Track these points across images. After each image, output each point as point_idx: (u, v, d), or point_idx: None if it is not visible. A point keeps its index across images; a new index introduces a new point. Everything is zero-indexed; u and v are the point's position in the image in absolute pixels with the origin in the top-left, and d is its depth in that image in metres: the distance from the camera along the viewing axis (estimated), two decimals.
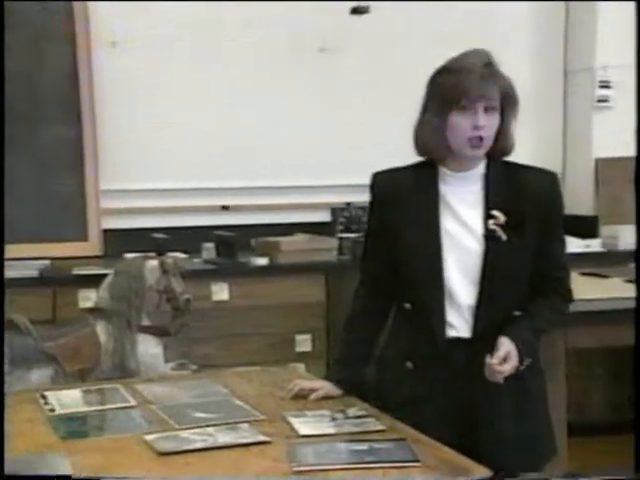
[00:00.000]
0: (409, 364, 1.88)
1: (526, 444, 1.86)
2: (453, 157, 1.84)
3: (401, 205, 1.86)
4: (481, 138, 1.78)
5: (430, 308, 1.83)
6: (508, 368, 1.75)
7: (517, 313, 1.86)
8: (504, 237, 1.81)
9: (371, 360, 1.97)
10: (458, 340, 1.83)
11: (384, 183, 1.92)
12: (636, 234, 2.43)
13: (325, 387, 1.95)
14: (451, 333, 1.84)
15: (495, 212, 1.82)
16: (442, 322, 1.83)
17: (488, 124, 1.79)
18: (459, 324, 1.83)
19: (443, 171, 1.86)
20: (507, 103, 1.81)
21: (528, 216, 1.82)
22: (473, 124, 1.77)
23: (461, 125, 1.78)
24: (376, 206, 1.94)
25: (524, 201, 1.83)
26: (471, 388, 1.81)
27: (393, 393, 1.90)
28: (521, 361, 1.79)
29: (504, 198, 1.83)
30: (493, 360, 1.74)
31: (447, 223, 1.83)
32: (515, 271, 1.83)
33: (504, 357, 1.75)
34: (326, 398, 1.93)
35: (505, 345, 1.77)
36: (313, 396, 1.93)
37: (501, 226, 1.81)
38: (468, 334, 1.83)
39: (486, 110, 1.78)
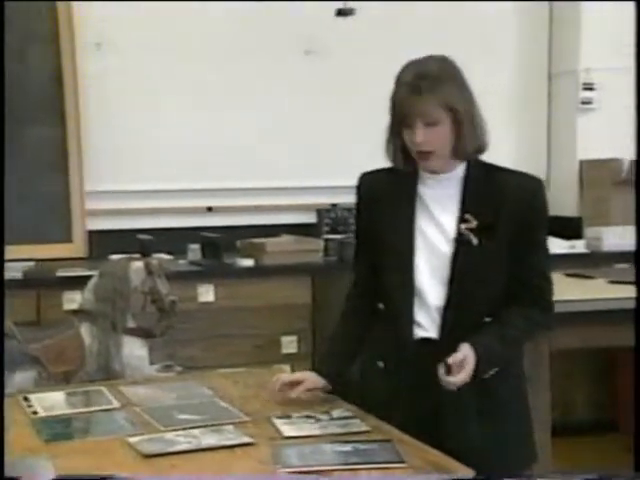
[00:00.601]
0: (381, 364, 1.89)
1: (495, 448, 1.81)
2: None
3: (382, 206, 1.88)
4: (428, 152, 1.78)
5: (399, 308, 1.84)
6: (460, 378, 1.72)
7: (488, 319, 1.83)
8: (475, 241, 1.80)
9: (356, 358, 1.97)
10: (426, 341, 1.83)
11: (368, 184, 1.94)
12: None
13: (308, 378, 1.93)
14: (420, 333, 1.84)
15: (468, 216, 1.81)
16: (410, 322, 1.83)
17: (429, 139, 1.76)
18: (428, 325, 1.83)
19: (422, 173, 1.86)
20: (452, 113, 1.77)
21: (503, 220, 1.80)
22: (412, 141, 1.78)
23: (408, 141, 1.80)
24: (361, 207, 1.96)
25: (500, 205, 1.81)
26: (438, 389, 1.77)
27: (369, 392, 1.91)
28: (481, 370, 1.76)
29: (479, 202, 1.82)
30: (441, 370, 1.72)
31: (422, 225, 1.84)
32: (485, 275, 1.81)
33: (459, 363, 1.72)
34: (310, 401, 1.91)
35: (462, 352, 1.74)
36: (295, 393, 1.89)
37: (472, 230, 1.80)
38: (436, 335, 1.83)
39: (427, 125, 1.76)
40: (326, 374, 1.94)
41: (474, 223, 1.80)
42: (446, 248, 1.82)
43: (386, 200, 1.88)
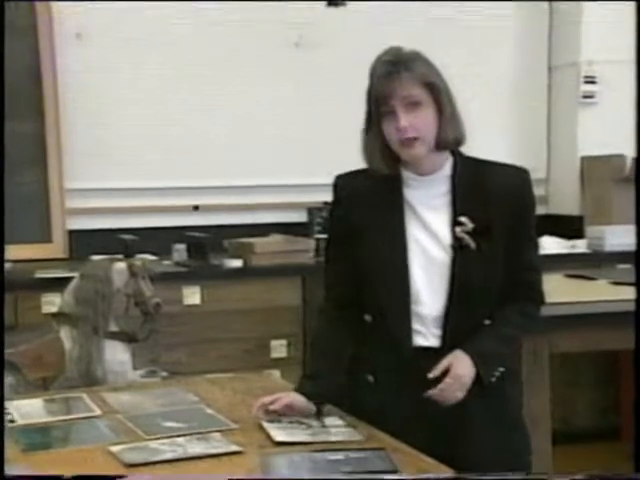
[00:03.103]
0: (370, 378, 1.86)
1: (500, 452, 1.83)
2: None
3: (366, 212, 1.84)
4: (414, 138, 1.76)
5: (395, 319, 1.81)
6: (446, 385, 1.73)
7: (487, 322, 1.83)
8: (472, 245, 1.78)
9: (341, 374, 1.91)
10: (425, 349, 1.82)
11: (347, 188, 1.90)
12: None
13: (289, 395, 1.86)
14: (419, 341, 1.82)
15: (462, 218, 1.79)
16: (409, 331, 1.81)
17: (413, 122, 1.75)
18: (426, 332, 1.82)
19: (407, 175, 1.84)
20: (432, 93, 1.77)
21: (497, 219, 1.79)
22: (396, 127, 1.76)
23: (389, 131, 1.78)
24: (340, 213, 1.90)
25: (493, 203, 1.80)
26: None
27: (359, 409, 1.87)
28: (483, 374, 1.77)
29: (471, 202, 1.80)
30: (434, 391, 1.73)
31: (413, 231, 1.82)
32: (485, 280, 1.80)
33: (444, 370, 1.74)
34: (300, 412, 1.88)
35: (444, 362, 1.75)
36: (275, 405, 1.83)
37: (469, 233, 1.78)
38: (436, 343, 1.82)
39: (409, 108, 1.75)
40: (311, 396, 1.86)
41: (470, 226, 1.79)
42: (441, 255, 1.80)
43: (370, 205, 1.84)
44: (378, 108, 1.78)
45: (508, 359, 1.87)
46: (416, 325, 1.82)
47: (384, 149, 1.81)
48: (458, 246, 1.79)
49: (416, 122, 1.75)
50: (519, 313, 1.86)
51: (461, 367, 1.75)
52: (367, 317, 1.87)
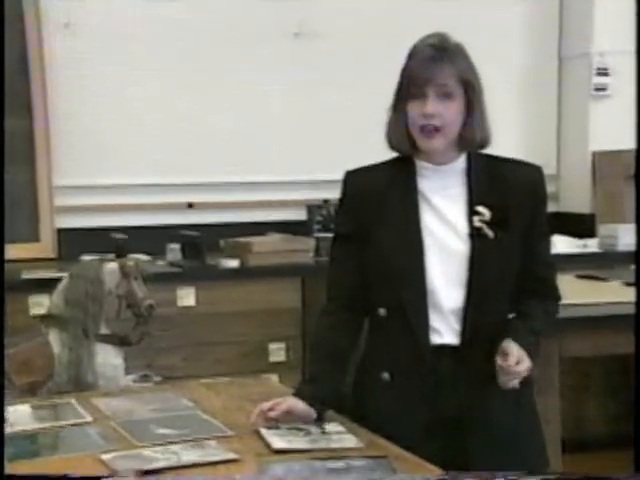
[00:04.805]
0: (386, 375, 1.87)
1: (518, 453, 1.88)
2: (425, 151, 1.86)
3: (377, 204, 1.87)
4: (435, 128, 1.80)
5: (411, 312, 1.84)
6: (524, 368, 1.79)
7: (511, 315, 1.88)
8: (490, 234, 1.83)
9: (344, 377, 1.93)
10: (443, 347, 1.84)
11: (358, 183, 1.92)
12: (636, 233, 2.45)
13: (288, 400, 1.86)
14: (435, 339, 1.85)
15: (480, 208, 1.84)
16: (426, 327, 1.84)
17: (441, 112, 1.79)
18: (444, 329, 1.84)
19: (421, 165, 1.88)
20: (466, 90, 1.81)
21: (513, 211, 1.85)
22: (422, 112, 1.79)
23: (413, 114, 1.81)
24: (349, 208, 1.93)
25: (508, 195, 1.86)
26: (458, 397, 1.82)
27: (370, 409, 1.89)
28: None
29: (487, 193, 1.85)
30: (508, 362, 1.77)
31: (428, 220, 1.85)
32: (504, 271, 1.85)
33: (516, 361, 1.79)
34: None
35: (514, 349, 1.80)
36: (274, 413, 1.82)
37: (486, 223, 1.83)
38: (455, 340, 1.84)
39: (440, 97, 1.79)
40: (313, 401, 1.86)
41: (487, 215, 1.83)
42: (459, 245, 1.83)
43: (382, 199, 1.87)
44: (409, 89, 1.81)
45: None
46: (434, 321, 1.84)
47: (406, 129, 1.84)
48: (476, 235, 1.83)
49: (444, 112, 1.79)
50: (543, 310, 1.92)
51: (523, 353, 1.81)
52: (381, 310, 1.89)
